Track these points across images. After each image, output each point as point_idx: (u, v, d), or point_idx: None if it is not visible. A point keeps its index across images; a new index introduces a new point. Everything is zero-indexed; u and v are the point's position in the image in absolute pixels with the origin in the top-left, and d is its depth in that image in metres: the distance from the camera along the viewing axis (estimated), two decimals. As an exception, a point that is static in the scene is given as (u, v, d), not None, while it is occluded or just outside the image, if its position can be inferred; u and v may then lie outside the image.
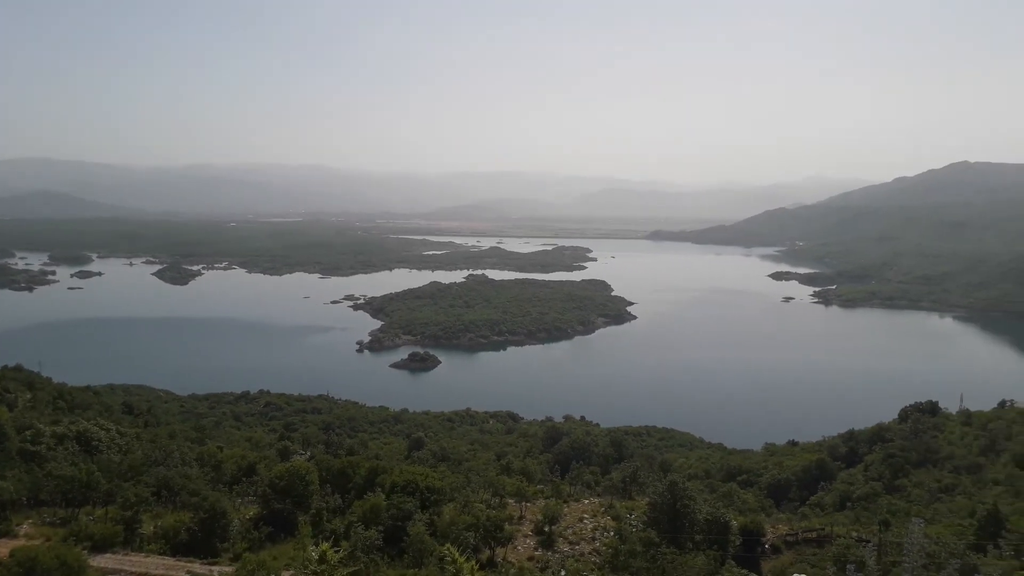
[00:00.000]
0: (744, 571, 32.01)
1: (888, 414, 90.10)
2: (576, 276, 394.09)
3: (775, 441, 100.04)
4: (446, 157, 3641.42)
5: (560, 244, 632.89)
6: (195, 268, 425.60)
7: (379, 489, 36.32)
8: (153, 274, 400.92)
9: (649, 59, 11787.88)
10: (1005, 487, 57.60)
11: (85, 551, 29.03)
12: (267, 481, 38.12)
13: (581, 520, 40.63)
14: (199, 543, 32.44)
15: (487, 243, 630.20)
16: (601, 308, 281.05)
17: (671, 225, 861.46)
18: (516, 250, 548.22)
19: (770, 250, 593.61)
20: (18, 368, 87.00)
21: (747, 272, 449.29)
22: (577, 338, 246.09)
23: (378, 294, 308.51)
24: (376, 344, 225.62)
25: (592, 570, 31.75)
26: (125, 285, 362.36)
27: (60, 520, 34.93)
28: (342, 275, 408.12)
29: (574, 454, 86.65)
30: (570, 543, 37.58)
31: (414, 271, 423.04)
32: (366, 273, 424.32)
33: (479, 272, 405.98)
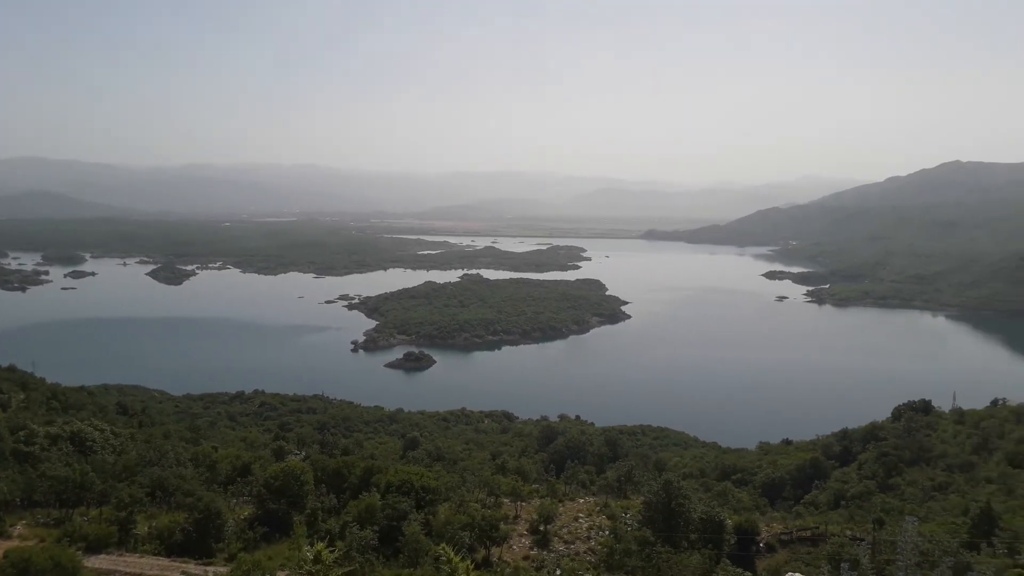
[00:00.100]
0: (739, 570, 32.08)
1: (881, 413, 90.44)
2: (570, 276, 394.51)
3: (769, 440, 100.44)
4: (444, 157, 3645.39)
5: (555, 244, 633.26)
6: (189, 268, 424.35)
7: (374, 489, 36.31)
8: (147, 274, 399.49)
9: (649, 59, 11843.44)
10: (998, 485, 57.88)
11: (79, 552, 28.93)
12: (262, 481, 38.04)
13: (576, 519, 40.67)
14: (194, 543, 32.37)
15: (482, 243, 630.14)
16: (595, 307, 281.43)
17: (665, 225, 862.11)
18: (511, 250, 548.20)
19: (764, 249, 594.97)
20: (11, 369, 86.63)
21: (741, 271, 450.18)
22: (572, 337, 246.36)
23: (373, 294, 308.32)
24: (371, 344, 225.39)
25: (587, 569, 31.78)
26: (119, 285, 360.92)
27: (54, 521, 34.78)
28: (336, 275, 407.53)
29: (569, 453, 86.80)
30: (565, 542, 37.62)
31: (409, 271, 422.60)
32: (361, 273, 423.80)
33: (474, 272, 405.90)
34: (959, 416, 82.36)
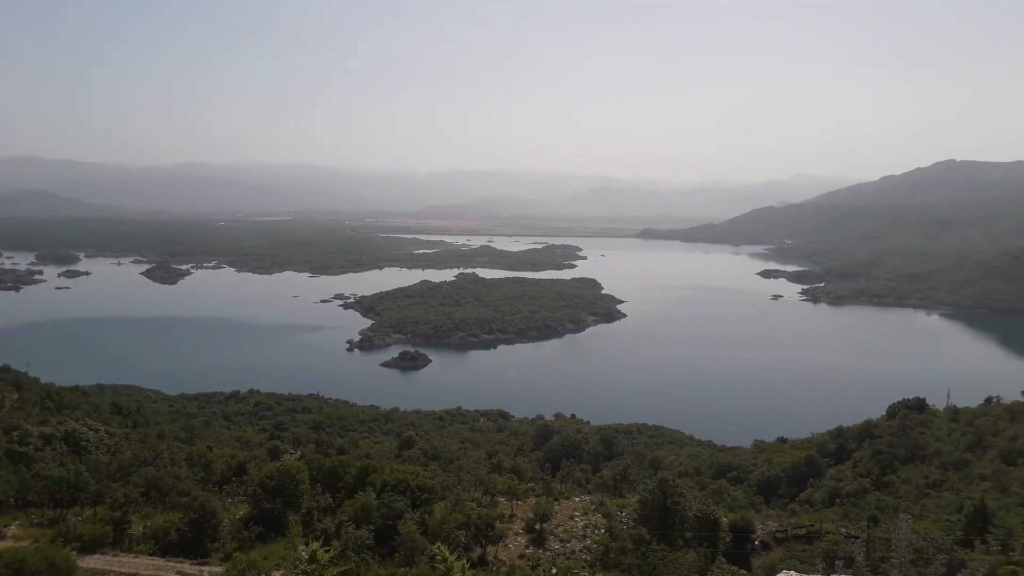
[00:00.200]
0: (734, 568, 32.15)
1: (876, 411, 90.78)
2: (566, 274, 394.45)
3: (764, 438, 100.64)
4: (441, 156, 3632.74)
5: (550, 243, 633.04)
6: (184, 267, 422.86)
7: (370, 488, 36.25)
8: (141, 273, 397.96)
9: (649, 59, 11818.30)
10: (992, 483, 58.17)
11: (74, 552, 28.86)
12: (257, 481, 37.99)
13: (572, 518, 40.72)
14: (189, 543, 32.32)
15: (477, 242, 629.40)
16: (591, 306, 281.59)
17: (660, 224, 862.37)
18: (506, 249, 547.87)
19: (758, 248, 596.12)
20: (5, 368, 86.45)
21: (736, 270, 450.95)
22: (567, 336, 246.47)
23: (368, 293, 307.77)
24: (366, 343, 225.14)
25: (583, 568, 31.81)
26: (113, 284, 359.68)
27: (48, 521, 34.67)
28: (332, 274, 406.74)
29: (565, 452, 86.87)
30: (561, 541, 37.67)
31: (404, 270, 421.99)
32: (356, 272, 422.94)
33: (469, 271, 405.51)
34: (953, 414, 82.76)
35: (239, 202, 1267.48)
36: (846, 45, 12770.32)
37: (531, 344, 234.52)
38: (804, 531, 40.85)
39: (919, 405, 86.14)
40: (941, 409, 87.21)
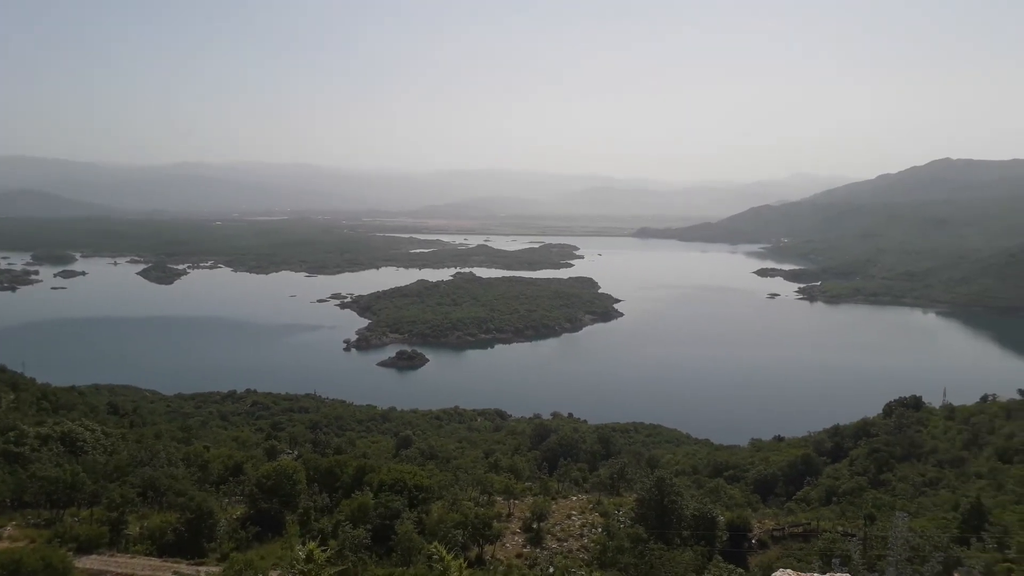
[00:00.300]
0: (731, 566, 32.18)
1: (872, 409, 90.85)
2: (563, 274, 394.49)
3: (761, 437, 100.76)
4: (441, 156, 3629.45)
5: (547, 242, 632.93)
6: (180, 267, 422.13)
7: (367, 488, 36.27)
8: (138, 273, 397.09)
9: (649, 59, 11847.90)
10: (988, 480, 58.28)
11: (70, 552, 28.83)
12: (254, 481, 37.97)
13: (569, 517, 40.76)
14: (186, 543, 32.29)
15: (474, 241, 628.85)
16: (588, 305, 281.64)
17: (657, 223, 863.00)
18: (503, 248, 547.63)
19: (755, 247, 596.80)
20: (1, 369, 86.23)
21: (733, 269, 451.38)
22: (564, 335, 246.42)
23: (365, 292, 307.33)
24: (363, 342, 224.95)
25: (580, 566, 31.83)
26: (109, 284, 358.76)
27: (45, 522, 34.62)
28: (328, 273, 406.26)
29: (562, 451, 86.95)
30: (558, 540, 37.70)
31: (401, 269, 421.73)
32: (353, 271, 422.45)
33: (466, 270, 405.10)
34: (949, 412, 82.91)
35: (238, 202, 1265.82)
36: (846, 45, 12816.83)
37: (528, 343, 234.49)
38: (801, 529, 40.91)
39: (915, 403, 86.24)
40: (937, 407, 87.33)
